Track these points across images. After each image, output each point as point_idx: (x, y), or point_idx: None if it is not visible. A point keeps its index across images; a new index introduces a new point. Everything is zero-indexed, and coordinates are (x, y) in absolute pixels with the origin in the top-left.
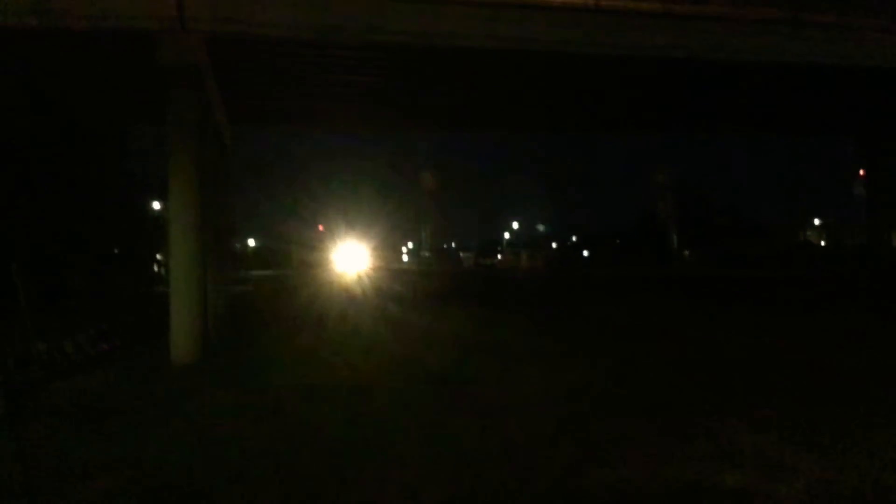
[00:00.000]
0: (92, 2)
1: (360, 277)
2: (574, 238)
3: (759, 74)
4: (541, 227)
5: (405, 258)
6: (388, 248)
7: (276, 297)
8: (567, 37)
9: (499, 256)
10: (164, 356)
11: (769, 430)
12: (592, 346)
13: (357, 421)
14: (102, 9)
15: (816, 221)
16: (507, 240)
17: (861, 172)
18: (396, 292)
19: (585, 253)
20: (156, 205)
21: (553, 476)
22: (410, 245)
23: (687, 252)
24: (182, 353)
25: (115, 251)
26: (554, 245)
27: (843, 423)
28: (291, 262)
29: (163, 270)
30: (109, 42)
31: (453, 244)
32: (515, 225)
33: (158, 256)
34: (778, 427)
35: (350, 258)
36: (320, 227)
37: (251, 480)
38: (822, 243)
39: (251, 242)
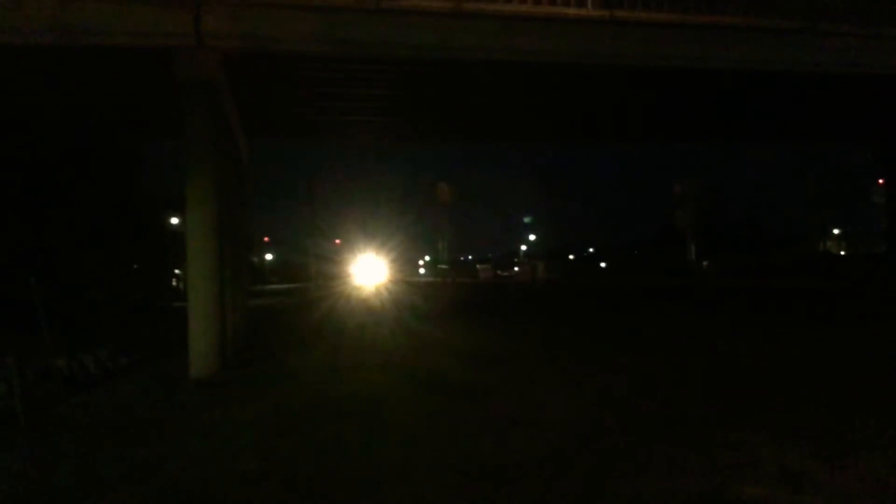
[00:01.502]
0: (109, 20)
1: (378, 290)
2: (591, 249)
3: (776, 83)
4: (557, 239)
5: (422, 270)
6: (405, 261)
7: (293, 310)
8: (585, 48)
9: (516, 269)
10: (182, 370)
11: (792, 441)
12: (610, 357)
13: (374, 434)
14: (119, 26)
15: (836, 231)
16: (524, 251)
17: (880, 181)
18: (414, 304)
19: (602, 264)
20: (174, 220)
21: (574, 490)
22: (427, 258)
23: (705, 263)
24: (200, 367)
25: (135, 266)
26: (571, 256)
27: (865, 433)
28: (310, 275)
29: (181, 285)
30: (127, 58)
31: (470, 256)
32: (532, 237)
33: (177, 271)
34: (801, 438)
35: (368, 271)
36: (337, 242)
37: (268, 493)
38: (842, 253)
39: (269, 256)
